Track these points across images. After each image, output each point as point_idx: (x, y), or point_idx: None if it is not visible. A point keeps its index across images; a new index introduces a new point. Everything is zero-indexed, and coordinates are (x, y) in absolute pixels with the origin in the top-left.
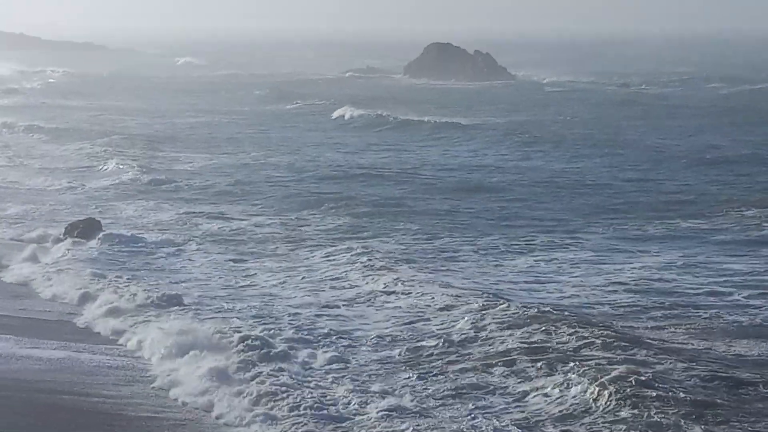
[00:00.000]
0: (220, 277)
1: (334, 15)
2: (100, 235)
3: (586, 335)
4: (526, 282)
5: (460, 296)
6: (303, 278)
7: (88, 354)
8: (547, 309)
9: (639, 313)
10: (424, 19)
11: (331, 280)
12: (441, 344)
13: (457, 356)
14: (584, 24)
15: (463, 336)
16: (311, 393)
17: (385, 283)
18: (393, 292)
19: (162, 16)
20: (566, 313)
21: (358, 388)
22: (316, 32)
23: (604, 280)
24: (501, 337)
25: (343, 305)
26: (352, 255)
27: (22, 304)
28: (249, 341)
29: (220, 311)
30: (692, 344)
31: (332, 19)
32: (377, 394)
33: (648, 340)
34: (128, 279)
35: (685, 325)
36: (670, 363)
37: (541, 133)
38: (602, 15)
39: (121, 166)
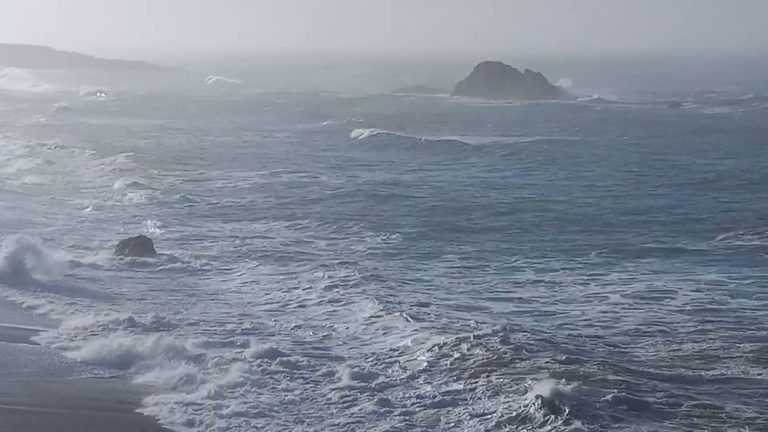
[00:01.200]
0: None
1: (389, 35)
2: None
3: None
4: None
5: None
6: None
7: None
8: None
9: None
10: (478, 39)
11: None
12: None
13: None
14: (636, 42)
15: None
16: None
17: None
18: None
19: (220, 36)
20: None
21: None
22: (370, 52)
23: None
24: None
25: None
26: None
27: None
28: None
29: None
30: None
31: (387, 39)
32: None
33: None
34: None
35: None
36: None
37: (590, 153)
38: (654, 33)
39: (156, 184)
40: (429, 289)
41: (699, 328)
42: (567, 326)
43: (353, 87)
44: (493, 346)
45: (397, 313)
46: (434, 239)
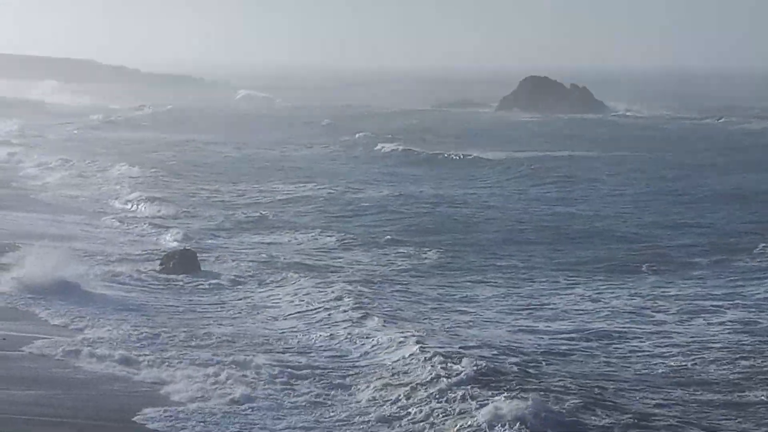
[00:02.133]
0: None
1: (440, 51)
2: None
3: None
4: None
5: None
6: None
7: None
8: None
9: None
10: (527, 55)
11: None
12: None
13: None
14: (680, 59)
15: None
16: None
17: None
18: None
19: (267, 51)
20: None
21: None
22: (418, 67)
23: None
24: None
25: None
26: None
27: None
28: None
29: None
30: None
31: (437, 56)
32: None
33: None
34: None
35: None
36: None
37: (632, 169)
38: (703, 50)
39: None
40: (469, 306)
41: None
42: (613, 343)
43: (396, 102)
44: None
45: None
46: (477, 254)
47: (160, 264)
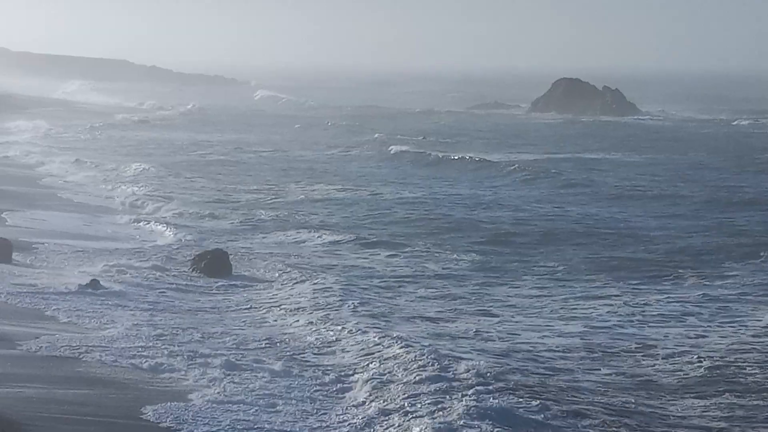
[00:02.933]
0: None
1: (472, 51)
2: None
3: None
4: None
5: None
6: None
7: None
8: None
9: None
10: (561, 56)
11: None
12: None
13: None
14: (718, 61)
15: None
16: None
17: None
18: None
19: (300, 52)
20: None
21: None
22: (451, 68)
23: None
24: None
25: None
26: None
27: None
28: None
29: None
30: None
31: (470, 55)
32: None
33: None
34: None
35: None
36: None
37: (667, 171)
38: (741, 50)
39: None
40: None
41: None
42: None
43: (427, 102)
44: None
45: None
46: (511, 257)
47: (192, 264)
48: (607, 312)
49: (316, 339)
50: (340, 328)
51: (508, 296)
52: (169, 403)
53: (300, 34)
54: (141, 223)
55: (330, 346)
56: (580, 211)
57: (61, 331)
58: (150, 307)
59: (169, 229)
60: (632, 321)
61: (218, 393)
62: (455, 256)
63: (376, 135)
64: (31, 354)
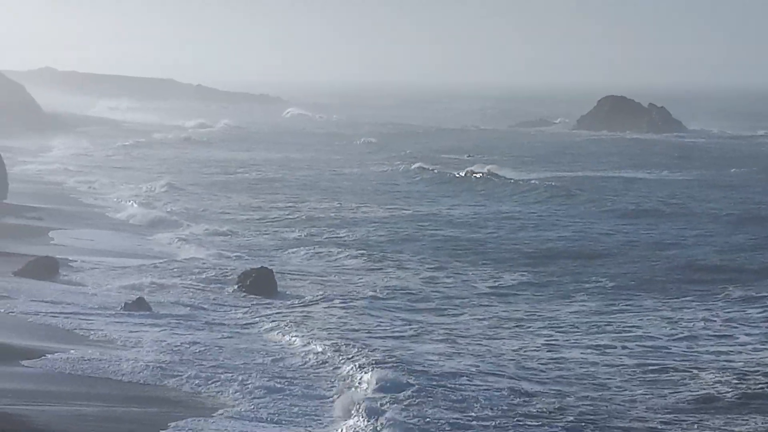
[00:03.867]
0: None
1: (517, 69)
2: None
3: None
4: None
5: None
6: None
7: None
8: None
9: None
10: (610, 73)
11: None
12: None
13: None
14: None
15: None
16: None
17: None
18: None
19: (347, 70)
20: None
21: None
22: (496, 85)
23: None
24: None
25: None
26: None
27: None
28: None
29: None
30: None
31: (515, 73)
32: None
33: None
34: None
35: None
36: None
37: (712, 189)
38: None
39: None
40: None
41: None
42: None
43: (469, 120)
44: None
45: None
46: (559, 275)
47: (237, 282)
48: (656, 329)
49: (361, 362)
50: (382, 350)
51: (556, 315)
52: (196, 419)
53: (346, 52)
54: (184, 241)
55: (373, 367)
56: (625, 229)
57: (103, 347)
58: (193, 325)
59: (211, 248)
60: (682, 338)
61: (248, 410)
62: (501, 274)
63: (410, 152)
64: (76, 371)
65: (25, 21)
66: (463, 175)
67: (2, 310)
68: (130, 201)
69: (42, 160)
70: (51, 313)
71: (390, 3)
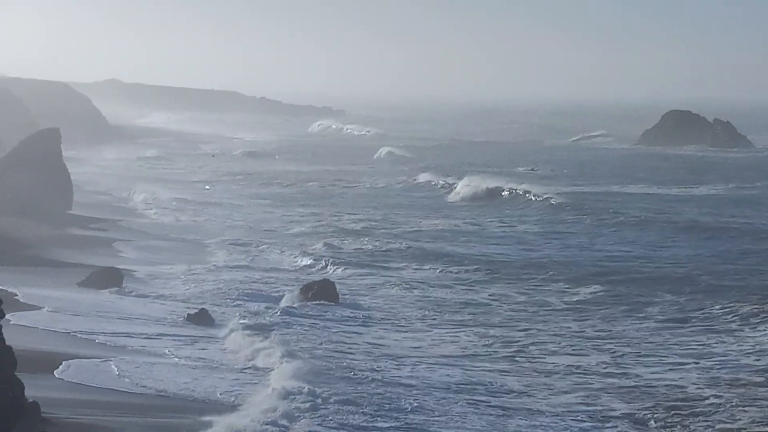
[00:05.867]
0: None
1: (581, 82)
2: None
3: None
4: None
5: None
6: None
7: None
8: None
9: None
10: (680, 87)
11: None
12: None
13: None
14: None
15: None
16: None
17: None
18: None
19: (415, 84)
20: None
21: None
22: (561, 99)
23: None
24: None
25: None
26: None
27: None
28: None
29: None
30: None
31: (579, 87)
32: None
33: None
34: None
35: None
36: None
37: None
38: None
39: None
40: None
41: None
42: None
43: (532, 133)
44: None
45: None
46: (632, 293)
47: (300, 293)
48: (725, 345)
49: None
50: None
51: (634, 332)
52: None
53: (410, 67)
54: (247, 252)
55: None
56: (693, 244)
57: (162, 359)
58: (255, 335)
59: (274, 257)
60: (751, 352)
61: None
62: (575, 290)
63: (472, 168)
64: (132, 379)
65: (92, 33)
66: (524, 191)
67: (64, 320)
68: (196, 212)
69: (106, 172)
70: (111, 322)
71: (460, 26)
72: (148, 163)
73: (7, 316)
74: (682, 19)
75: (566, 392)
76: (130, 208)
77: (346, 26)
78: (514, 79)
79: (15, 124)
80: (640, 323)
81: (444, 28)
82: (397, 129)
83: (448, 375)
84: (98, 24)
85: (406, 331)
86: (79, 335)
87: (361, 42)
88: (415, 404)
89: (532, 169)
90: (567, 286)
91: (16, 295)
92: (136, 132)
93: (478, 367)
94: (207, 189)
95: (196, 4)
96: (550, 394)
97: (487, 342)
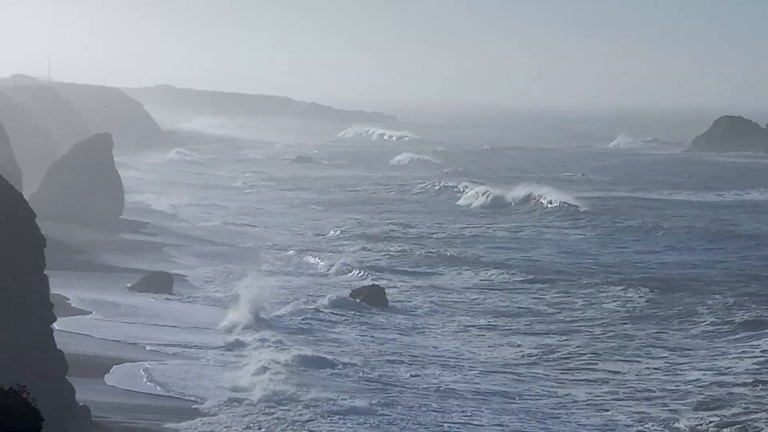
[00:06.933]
0: None
1: (634, 89)
2: None
3: None
4: None
5: None
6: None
7: None
8: None
9: None
10: (732, 93)
11: None
12: None
13: None
14: None
15: None
16: None
17: None
18: None
19: (467, 90)
20: None
21: None
22: (614, 105)
23: None
24: None
25: None
26: None
27: None
28: None
29: None
30: None
31: (632, 93)
32: None
33: None
34: None
35: None
36: None
37: None
38: None
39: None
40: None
41: None
42: None
43: (582, 140)
44: None
45: None
46: (686, 297)
47: (350, 298)
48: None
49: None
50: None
51: (688, 336)
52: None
53: (463, 74)
54: (301, 257)
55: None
56: (746, 252)
57: (210, 364)
58: (304, 339)
59: (326, 263)
60: None
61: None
62: (626, 295)
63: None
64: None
65: (145, 39)
66: (569, 198)
67: (114, 324)
68: (239, 218)
69: (156, 177)
70: (161, 326)
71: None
72: (197, 168)
73: (58, 321)
74: (734, 23)
75: (633, 399)
76: (179, 213)
77: (402, 34)
78: (566, 86)
79: (68, 129)
80: (693, 327)
81: (497, 35)
82: (444, 135)
83: (504, 383)
84: (151, 30)
85: (456, 337)
86: (129, 340)
87: (415, 49)
88: (469, 413)
89: (582, 175)
90: (620, 291)
91: (68, 299)
92: (187, 137)
93: (537, 374)
94: (250, 193)
95: (250, 9)
96: (614, 399)
97: (546, 349)
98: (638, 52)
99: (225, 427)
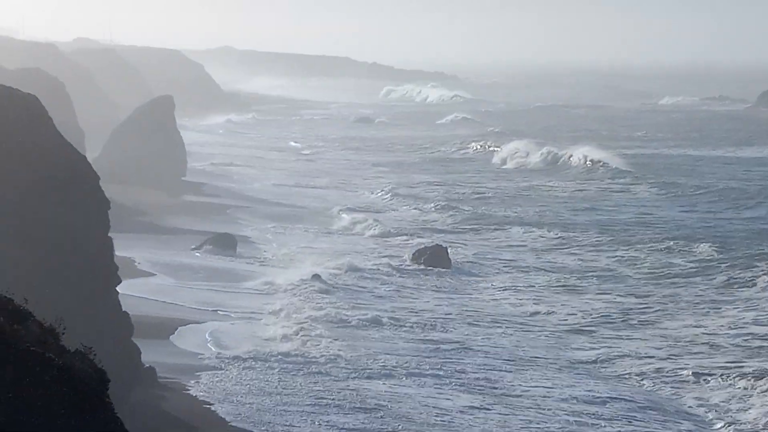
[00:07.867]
0: None
1: (701, 45)
2: None
3: None
4: None
5: None
6: None
7: None
8: None
9: None
10: None
11: None
12: None
13: None
14: None
15: None
16: None
17: None
18: None
19: (526, 49)
20: None
21: None
22: (679, 62)
23: None
24: None
25: None
26: None
27: None
28: None
29: None
30: None
31: (698, 50)
32: None
33: None
34: None
35: None
36: None
37: None
38: None
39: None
40: None
41: None
42: None
43: (646, 98)
44: None
45: None
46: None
47: (412, 258)
48: None
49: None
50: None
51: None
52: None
53: (525, 30)
54: (361, 218)
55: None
56: None
57: (274, 325)
58: (361, 302)
59: (386, 222)
60: None
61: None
62: (693, 250)
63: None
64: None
65: (205, 0)
66: (630, 156)
67: (179, 286)
68: (303, 179)
69: (219, 139)
70: (225, 288)
71: None
72: (259, 130)
73: (124, 283)
74: None
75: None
76: (243, 174)
77: None
78: (635, 44)
79: (130, 91)
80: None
81: None
82: (499, 94)
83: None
84: None
85: (525, 297)
86: (194, 302)
87: (482, 6)
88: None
89: (644, 132)
90: (684, 246)
91: (135, 261)
92: (249, 99)
93: (615, 335)
94: (311, 154)
95: None
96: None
97: (619, 309)
98: (708, 6)
99: (282, 383)
